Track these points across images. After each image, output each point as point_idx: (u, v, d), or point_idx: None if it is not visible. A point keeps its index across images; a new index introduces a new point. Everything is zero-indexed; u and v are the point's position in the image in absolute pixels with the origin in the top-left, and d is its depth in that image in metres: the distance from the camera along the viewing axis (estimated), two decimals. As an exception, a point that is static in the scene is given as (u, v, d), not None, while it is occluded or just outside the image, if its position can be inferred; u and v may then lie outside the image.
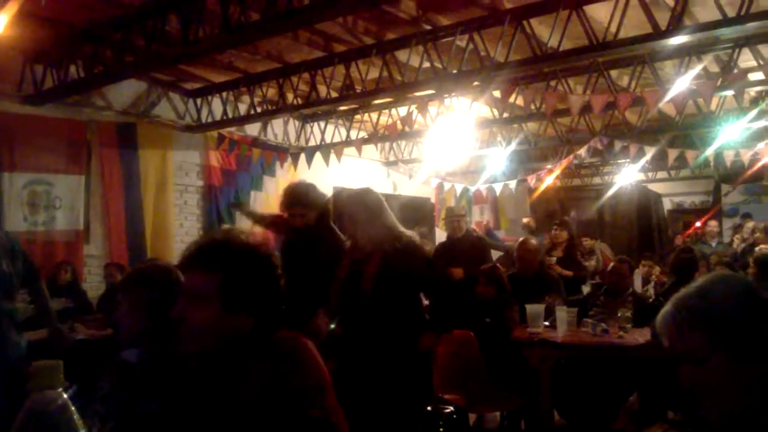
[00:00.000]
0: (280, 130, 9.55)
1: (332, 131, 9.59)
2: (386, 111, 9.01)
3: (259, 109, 8.15)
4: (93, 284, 7.24)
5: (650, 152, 9.03)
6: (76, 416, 0.89)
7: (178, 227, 8.28)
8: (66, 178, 7.20)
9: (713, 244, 10.13)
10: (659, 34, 4.86)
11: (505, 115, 8.48)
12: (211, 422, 1.66)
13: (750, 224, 10.29)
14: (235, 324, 1.63)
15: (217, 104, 8.26)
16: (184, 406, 1.79)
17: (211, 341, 1.68)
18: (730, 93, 6.82)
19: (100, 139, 7.55)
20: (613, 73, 7.07)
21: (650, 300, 5.63)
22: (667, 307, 1.49)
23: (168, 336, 1.73)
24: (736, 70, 6.30)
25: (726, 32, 4.94)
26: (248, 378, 1.65)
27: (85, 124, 7.41)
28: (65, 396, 0.88)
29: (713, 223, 10.93)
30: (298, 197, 4.25)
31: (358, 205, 3.46)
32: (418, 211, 12.24)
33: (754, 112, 7.40)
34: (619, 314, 4.88)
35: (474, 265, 5.87)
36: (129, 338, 2.11)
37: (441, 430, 1.02)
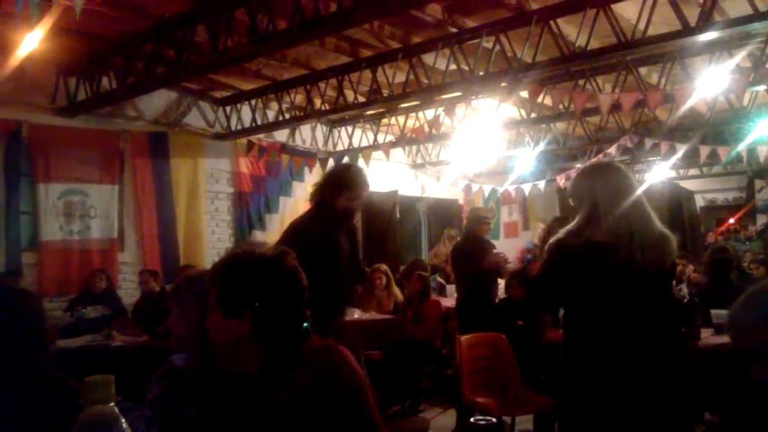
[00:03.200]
0: (308, 135, 9.62)
1: (360, 135, 9.63)
2: (413, 114, 9.03)
3: (287, 116, 8.23)
4: (128, 291, 7.37)
5: (681, 149, 8.90)
6: (127, 429, 0.92)
7: (210, 234, 8.38)
8: (100, 187, 7.34)
9: (747, 243, 9.97)
10: (689, 30, 4.80)
11: (533, 115, 8.43)
12: (251, 430, 1.70)
13: None
14: (232, 328, 1.71)
15: (246, 112, 8.35)
16: (224, 413, 1.83)
17: (221, 348, 1.78)
18: (762, 88, 6.70)
19: (132, 149, 7.69)
20: (642, 70, 6.99)
21: (685, 300, 5.55)
22: (740, 305, 1.49)
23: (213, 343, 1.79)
24: (767, 65, 6.19)
25: (758, 27, 4.86)
26: (284, 387, 1.68)
27: (118, 134, 7.56)
28: (116, 410, 0.91)
29: (752, 228, 10.75)
30: (364, 178, 3.85)
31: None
32: (446, 213, 12.22)
33: (787, 107, 7.27)
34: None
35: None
36: (179, 344, 2.16)
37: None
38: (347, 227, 3.93)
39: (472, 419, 1.08)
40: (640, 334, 2.55)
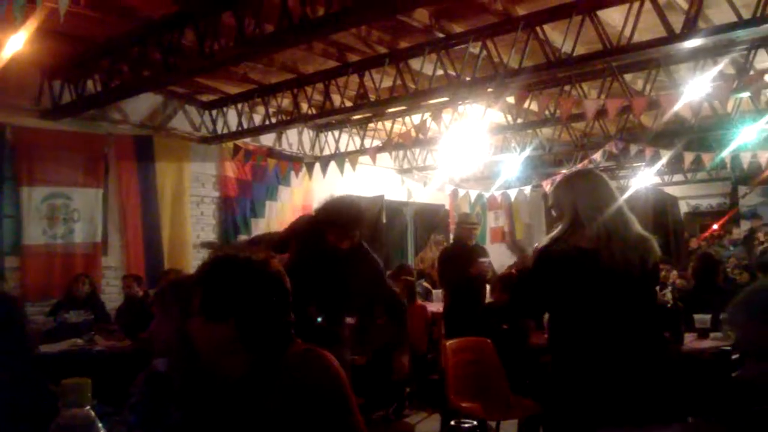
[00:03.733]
0: (295, 139, 9.60)
1: (346, 140, 9.62)
2: (400, 119, 9.03)
3: (273, 120, 8.20)
4: (111, 296, 7.30)
5: (666, 155, 8.97)
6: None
7: (195, 238, 8.33)
8: (84, 191, 7.28)
9: (731, 248, 10.05)
10: (673, 37, 4.85)
11: (519, 120, 8.46)
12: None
13: None
14: (215, 332, 1.69)
15: (232, 116, 8.33)
16: (207, 418, 1.81)
17: (203, 352, 1.75)
18: (746, 95, 6.77)
19: (117, 153, 7.64)
20: (628, 77, 7.03)
21: (668, 305, 5.58)
22: (740, 301, 1.56)
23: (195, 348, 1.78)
24: (752, 72, 6.26)
25: (742, 34, 4.91)
26: (268, 392, 1.67)
27: (103, 137, 7.50)
28: (93, 414, 0.90)
29: (737, 231, 10.85)
30: (357, 219, 3.73)
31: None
32: (433, 218, 12.24)
33: (770, 114, 7.33)
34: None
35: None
36: (162, 348, 2.15)
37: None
38: (350, 254, 3.74)
39: (452, 422, 1.07)
40: (625, 338, 2.56)
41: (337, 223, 3.62)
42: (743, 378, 1.56)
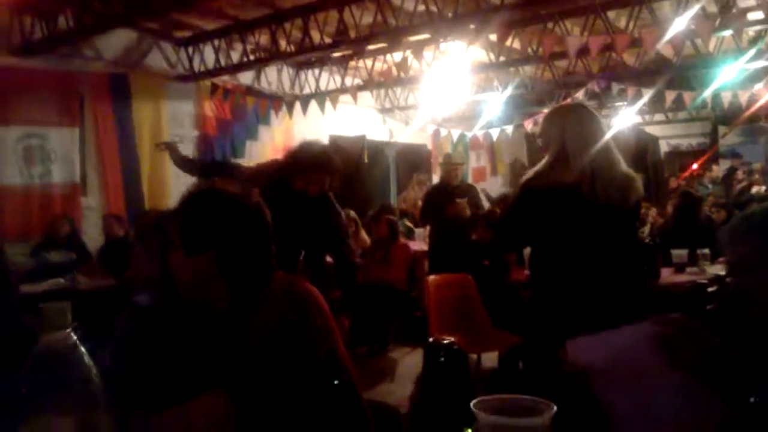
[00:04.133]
0: (274, 78, 9.44)
1: (327, 79, 9.48)
2: (381, 57, 8.89)
3: (252, 57, 8.04)
4: (92, 236, 7.25)
5: (648, 94, 8.96)
6: (86, 355, 0.91)
7: (175, 178, 8.23)
8: (60, 130, 7.15)
9: (710, 186, 10.17)
10: (658, -29, 4.78)
11: (502, 59, 8.37)
12: (218, 367, 1.70)
13: (756, 166, 10.37)
14: (196, 265, 1.68)
15: (209, 53, 8.13)
16: (191, 351, 1.83)
17: (185, 286, 1.75)
18: (728, 33, 6.73)
19: (92, 91, 7.47)
20: (611, 14, 6.95)
21: (647, 241, 5.67)
22: (732, 221, 1.67)
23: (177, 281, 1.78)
24: (734, 10, 6.20)
25: (726, -31, 4.85)
26: (251, 323, 1.68)
27: (77, 75, 7.31)
28: (74, 337, 0.90)
29: (716, 168, 10.96)
30: (322, 163, 3.60)
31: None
32: (415, 158, 12.22)
33: (752, 52, 7.31)
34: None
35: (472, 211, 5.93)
36: (144, 284, 2.15)
37: (441, 359, 1.05)
38: (313, 202, 3.64)
39: (431, 339, 1.09)
40: (604, 272, 2.61)
41: (306, 169, 3.56)
42: (732, 290, 1.68)
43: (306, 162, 3.56)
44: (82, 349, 0.91)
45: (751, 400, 1.26)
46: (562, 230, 2.63)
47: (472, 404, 0.96)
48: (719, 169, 10.98)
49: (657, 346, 1.34)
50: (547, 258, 2.74)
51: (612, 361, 1.42)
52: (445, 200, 6.08)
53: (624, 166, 2.68)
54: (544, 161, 2.72)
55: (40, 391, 0.89)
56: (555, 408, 0.96)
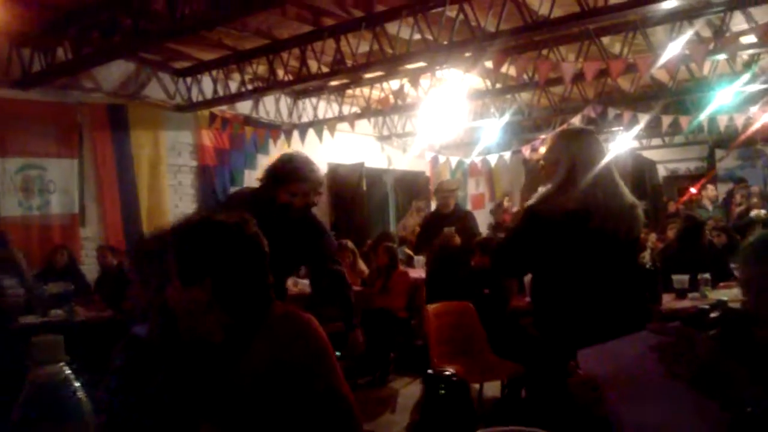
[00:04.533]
0: (272, 107, 9.49)
1: (324, 107, 9.54)
2: (378, 85, 8.96)
3: (249, 87, 8.10)
4: (90, 266, 7.24)
5: (644, 119, 9.01)
6: (79, 390, 0.89)
7: (174, 207, 8.25)
8: (59, 161, 7.18)
9: (710, 208, 10.15)
10: (650, -2, 4.83)
11: (498, 85, 8.43)
12: (215, 399, 1.68)
13: (755, 189, 10.37)
14: (191, 296, 1.67)
15: (207, 83, 8.19)
16: (187, 382, 1.80)
17: (182, 316, 1.74)
18: (722, 57, 6.79)
19: (91, 122, 7.52)
20: (605, 40, 7.02)
21: (648, 266, 5.65)
22: (750, 240, 1.65)
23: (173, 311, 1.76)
24: (728, 34, 6.27)
25: (718, -5, 4.90)
26: (248, 354, 1.66)
27: (75, 106, 7.37)
28: (67, 370, 0.88)
29: (711, 187, 10.96)
30: (305, 173, 3.46)
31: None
32: (413, 185, 12.22)
33: (746, 76, 7.37)
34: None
35: (463, 238, 5.86)
36: (140, 314, 2.13)
37: (442, 392, 1.04)
38: (297, 222, 3.48)
39: (429, 370, 1.07)
40: (608, 299, 2.58)
41: (290, 180, 3.40)
42: (743, 311, 1.69)
43: (288, 173, 3.42)
44: (76, 383, 0.89)
45: (749, 410, 1.25)
46: (567, 257, 2.60)
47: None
48: (714, 189, 10.97)
49: (655, 356, 1.34)
50: (551, 284, 2.71)
51: (617, 371, 1.42)
52: (436, 229, 6.07)
53: (629, 195, 2.67)
54: (548, 186, 2.68)
55: (32, 425, 0.87)
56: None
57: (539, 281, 2.80)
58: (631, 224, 2.63)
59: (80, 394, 0.88)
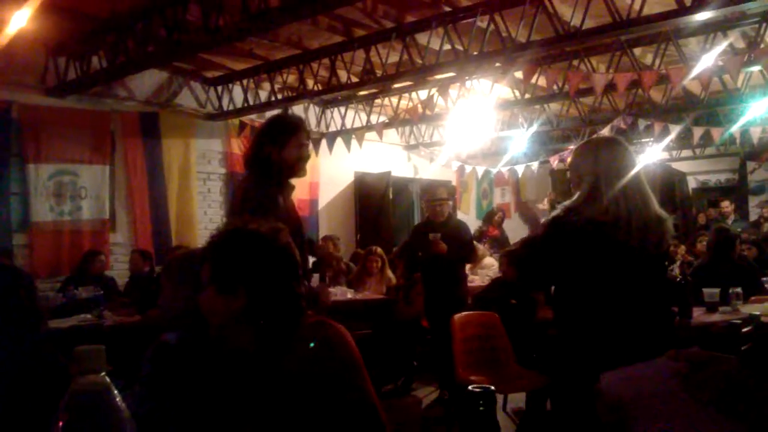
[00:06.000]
0: (301, 116, 9.55)
1: (353, 116, 9.59)
2: (407, 95, 8.98)
3: (279, 96, 8.17)
4: (120, 272, 7.34)
5: (675, 130, 8.91)
6: (119, 398, 0.91)
7: (202, 215, 8.35)
8: (91, 168, 7.29)
9: (729, 222, 10.01)
10: (684, 9, 4.78)
11: (527, 96, 8.41)
12: (246, 409, 1.69)
13: None
14: (226, 304, 1.70)
15: (237, 92, 8.29)
16: (219, 390, 1.82)
17: (214, 324, 1.76)
18: (757, 68, 6.69)
19: (123, 129, 7.64)
20: (637, 50, 6.97)
21: (677, 279, 5.58)
22: None
23: (205, 320, 1.78)
24: (762, 46, 6.18)
25: (752, 6, 4.85)
26: (280, 364, 1.67)
27: (109, 114, 7.50)
28: (108, 380, 0.90)
29: (725, 203, 10.84)
30: (295, 123, 3.37)
31: None
32: (439, 195, 12.19)
33: (781, 88, 7.27)
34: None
35: (452, 247, 5.74)
36: (170, 322, 2.16)
37: (481, 408, 1.04)
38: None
39: (469, 387, 1.07)
40: (634, 314, 2.54)
41: (293, 129, 3.24)
42: None
43: (284, 124, 3.30)
44: (115, 391, 0.91)
45: None
46: (592, 269, 2.56)
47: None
48: (727, 204, 10.83)
49: (678, 382, 1.32)
50: (576, 297, 2.67)
51: (640, 395, 1.40)
52: (421, 238, 5.91)
53: (657, 206, 2.62)
54: (575, 197, 2.65)
55: (73, 433, 0.89)
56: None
57: (564, 293, 2.76)
58: (660, 237, 2.58)
59: (121, 402, 0.90)
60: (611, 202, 2.52)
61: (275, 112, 8.96)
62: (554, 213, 2.64)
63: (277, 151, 3.17)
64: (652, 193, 2.64)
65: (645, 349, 2.53)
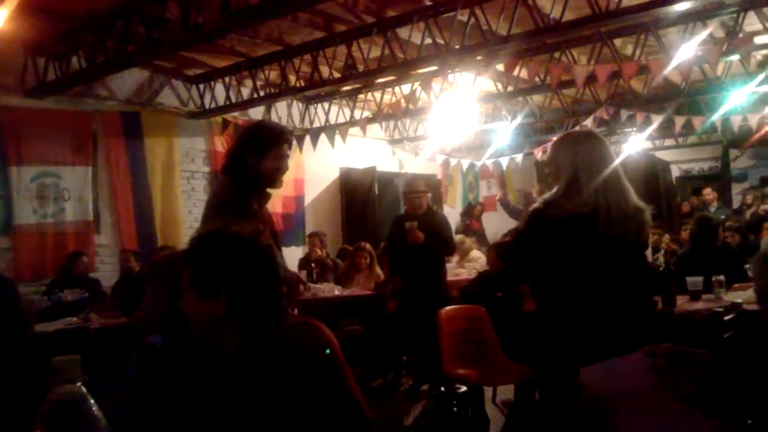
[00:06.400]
0: (284, 112, 9.54)
1: (336, 112, 9.57)
2: (390, 89, 8.98)
3: (262, 93, 8.14)
4: (105, 273, 7.30)
5: (657, 120, 8.97)
6: (95, 408, 0.91)
7: (187, 213, 8.31)
8: (73, 169, 7.24)
9: (711, 209, 10.11)
10: (663, 0, 4.81)
11: (510, 88, 8.43)
12: (230, 409, 1.69)
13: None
14: (207, 307, 1.69)
15: (219, 90, 8.25)
16: (203, 392, 1.82)
17: (196, 327, 1.76)
18: (736, 57, 6.75)
19: (105, 130, 7.59)
20: (617, 42, 7.00)
21: (661, 268, 5.62)
22: (762, 254, 1.72)
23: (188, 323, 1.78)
24: (741, 35, 6.22)
25: (730, -4, 4.87)
26: (264, 365, 1.68)
27: (90, 114, 7.44)
28: (84, 390, 0.90)
29: (707, 191, 10.95)
30: (279, 132, 3.25)
31: None
32: (425, 189, 12.21)
33: (761, 76, 7.32)
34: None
35: (429, 237, 5.76)
36: (154, 325, 2.15)
37: (455, 409, 1.04)
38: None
39: (442, 388, 1.08)
40: (614, 305, 2.55)
41: (273, 141, 3.13)
42: (762, 320, 1.66)
43: (265, 134, 3.16)
44: (92, 401, 0.91)
45: (749, 422, 1.25)
46: (573, 261, 2.58)
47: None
48: (709, 192, 10.94)
49: (655, 377, 1.34)
50: (556, 289, 2.68)
51: (620, 390, 1.42)
52: (399, 230, 5.91)
53: (635, 197, 2.65)
54: (554, 189, 2.66)
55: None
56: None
57: (544, 285, 2.76)
58: (639, 228, 2.60)
59: (97, 411, 0.90)
60: (591, 194, 2.54)
61: (258, 108, 8.96)
62: (534, 206, 2.66)
63: (256, 160, 3.07)
64: (629, 184, 2.66)
65: (625, 340, 2.55)
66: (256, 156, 3.08)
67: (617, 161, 2.67)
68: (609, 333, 2.50)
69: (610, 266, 2.55)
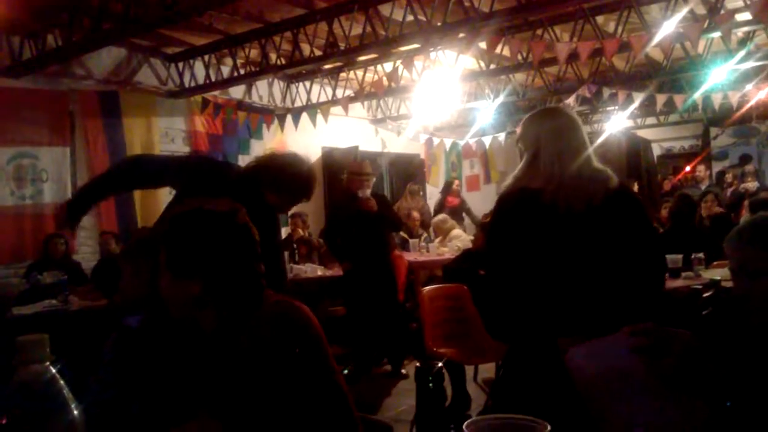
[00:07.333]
0: (265, 92, 9.44)
1: (318, 91, 9.49)
2: (372, 68, 8.91)
3: (242, 71, 8.04)
4: (85, 255, 7.22)
5: (639, 98, 8.99)
6: (65, 390, 0.89)
7: (167, 194, 8.19)
8: (51, 150, 7.13)
9: (702, 187, 10.18)
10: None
11: (492, 66, 8.39)
12: (210, 388, 1.68)
13: (749, 168, 10.44)
14: (183, 288, 1.66)
15: (199, 68, 8.14)
16: (181, 373, 1.80)
17: (173, 308, 1.73)
18: (717, 35, 6.75)
19: (82, 109, 7.46)
20: (599, 19, 6.98)
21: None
22: (741, 228, 1.70)
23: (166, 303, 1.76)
24: (722, 11, 6.22)
25: (712, -28, 4.85)
26: (242, 345, 1.66)
27: (67, 94, 7.31)
28: (53, 370, 0.88)
29: (701, 168, 11.02)
30: (308, 189, 3.24)
31: None
32: (408, 168, 12.20)
33: (741, 54, 7.35)
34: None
35: (377, 221, 5.78)
36: (131, 306, 2.13)
37: (430, 384, 1.03)
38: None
39: (418, 363, 1.07)
40: (570, 279, 2.39)
41: (289, 192, 3.16)
42: (735, 294, 1.69)
43: (289, 183, 3.15)
44: (61, 382, 0.88)
45: (728, 404, 1.25)
46: (525, 237, 2.51)
47: (464, 426, 0.94)
48: (702, 169, 11.04)
49: (636, 358, 1.34)
50: (514, 266, 2.60)
51: (604, 369, 1.42)
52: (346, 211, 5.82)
53: (590, 165, 2.49)
54: (519, 167, 2.63)
55: (17, 424, 0.86)
56: (549, 428, 0.94)
57: (503, 263, 2.60)
58: (591, 194, 2.41)
59: (66, 393, 0.87)
60: (546, 167, 2.48)
61: (238, 88, 8.85)
62: (503, 185, 2.62)
63: (274, 197, 3.12)
64: (596, 157, 2.56)
65: (587, 317, 2.46)
66: (277, 195, 3.12)
67: (598, 141, 2.61)
68: (575, 309, 2.39)
69: (560, 240, 2.41)
